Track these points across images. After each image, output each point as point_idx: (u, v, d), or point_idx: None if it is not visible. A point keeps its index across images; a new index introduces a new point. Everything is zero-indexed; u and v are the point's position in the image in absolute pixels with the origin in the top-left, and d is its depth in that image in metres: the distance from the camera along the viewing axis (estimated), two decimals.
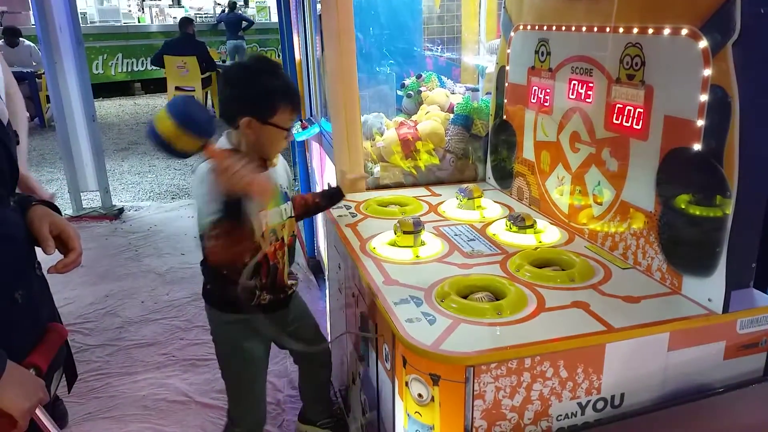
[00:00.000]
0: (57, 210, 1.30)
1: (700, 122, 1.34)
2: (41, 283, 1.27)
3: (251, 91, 1.61)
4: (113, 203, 5.12)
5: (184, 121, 1.34)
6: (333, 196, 2.06)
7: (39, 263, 1.26)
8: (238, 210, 1.43)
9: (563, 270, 1.60)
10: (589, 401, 1.33)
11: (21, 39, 8.81)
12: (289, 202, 1.85)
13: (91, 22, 11.59)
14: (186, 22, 9.06)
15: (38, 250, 1.23)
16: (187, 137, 1.35)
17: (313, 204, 2.02)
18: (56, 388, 1.33)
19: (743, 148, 1.26)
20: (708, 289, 1.38)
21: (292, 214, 1.88)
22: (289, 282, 1.91)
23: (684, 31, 1.37)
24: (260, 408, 1.94)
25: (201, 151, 1.40)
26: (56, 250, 1.23)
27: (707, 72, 1.31)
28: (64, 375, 1.39)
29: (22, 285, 1.17)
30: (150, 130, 1.35)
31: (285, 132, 1.67)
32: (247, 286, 1.73)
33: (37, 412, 1.08)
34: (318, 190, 3.25)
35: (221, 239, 1.48)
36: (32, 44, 8.53)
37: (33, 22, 5.09)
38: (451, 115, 2.49)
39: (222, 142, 1.72)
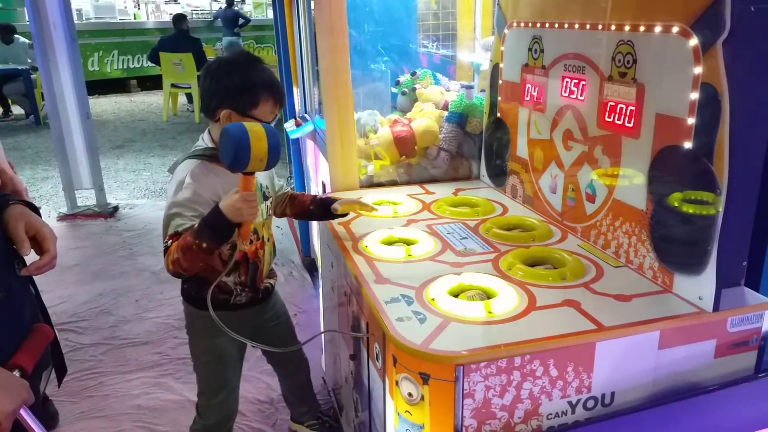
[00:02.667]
0: (35, 210, 1.28)
1: (691, 120, 1.34)
2: (21, 282, 1.26)
3: (231, 82, 1.60)
4: (108, 201, 5.10)
5: (273, 153, 1.39)
6: (325, 208, 1.88)
7: (20, 262, 1.24)
8: (227, 234, 1.50)
9: (555, 268, 1.60)
10: (579, 400, 1.32)
11: (15, 36, 8.78)
12: (269, 201, 1.84)
13: (86, 19, 11.53)
14: (180, 18, 9.04)
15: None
16: (262, 164, 1.40)
17: (307, 209, 1.94)
18: (45, 387, 1.32)
19: (733, 146, 1.26)
20: (699, 288, 1.38)
21: (272, 213, 1.88)
22: (268, 281, 1.90)
23: (675, 29, 1.37)
24: (229, 404, 1.92)
25: (248, 174, 1.44)
26: (32, 251, 1.22)
27: (698, 70, 1.31)
28: (53, 371, 1.39)
29: (1, 285, 1.15)
30: (239, 133, 1.37)
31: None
32: (225, 286, 1.73)
33: (22, 413, 1.08)
34: (312, 187, 3.24)
35: (192, 251, 1.49)
36: (27, 41, 8.50)
37: (27, 18, 5.04)
38: (446, 113, 2.48)
39: (204, 138, 1.71)
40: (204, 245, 1.47)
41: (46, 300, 1.37)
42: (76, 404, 2.53)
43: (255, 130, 1.38)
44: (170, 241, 1.54)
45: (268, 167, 1.44)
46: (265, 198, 1.82)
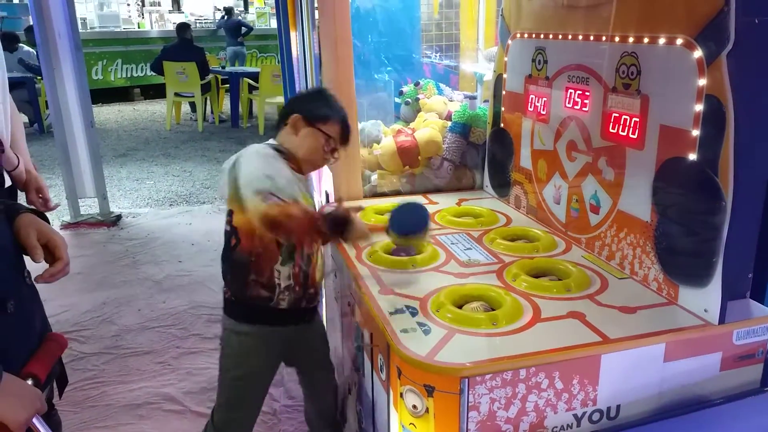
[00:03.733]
0: (45, 218, 1.29)
1: (696, 132, 1.34)
2: (31, 291, 1.26)
3: (315, 101, 1.74)
4: (111, 210, 5.10)
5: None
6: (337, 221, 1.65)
7: (28, 272, 1.25)
8: (338, 233, 1.56)
9: (560, 280, 1.60)
10: (584, 413, 1.32)
11: (20, 44, 8.82)
12: None
13: (90, 28, 11.60)
14: (183, 27, 9.07)
15: (26, 259, 1.23)
16: (414, 243, 1.76)
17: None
18: (45, 395, 1.32)
19: (738, 158, 1.26)
20: (704, 300, 1.37)
21: None
22: (316, 296, 1.81)
23: (679, 41, 1.37)
24: (248, 420, 1.84)
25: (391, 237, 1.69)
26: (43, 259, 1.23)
27: (702, 82, 1.31)
28: (55, 382, 1.39)
29: (12, 294, 1.16)
30: (426, 216, 1.67)
31: (325, 143, 1.68)
32: (269, 280, 1.65)
33: (35, 421, 1.08)
34: (316, 196, 3.24)
35: (310, 221, 1.51)
36: (31, 49, 8.53)
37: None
38: (449, 123, 2.49)
39: (269, 142, 1.71)
40: (321, 227, 1.52)
41: (48, 309, 1.37)
42: (78, 414, 2.52)
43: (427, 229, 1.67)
44: (280, 199, 1.47)
45: (402, 245, 1.76)
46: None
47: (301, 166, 1.70)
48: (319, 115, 1.69)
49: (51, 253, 1.25)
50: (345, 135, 1.74)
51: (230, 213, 1.64)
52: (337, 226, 1.54)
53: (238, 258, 1.65)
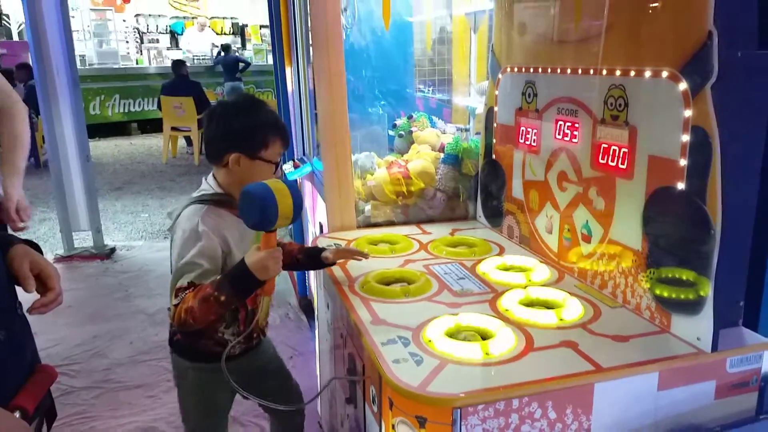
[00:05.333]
0: (38, 250, 1.29)
1: (683, 162, 1.36)
2: (23, 322, 1.26)
3: (239, 125, 1.59)
4: (105, 243, 5.09)
5: (298, 209, 1.40)
6: (314, 257, 1.82)
7: (20, 303, 1.24)
8: (251, 290, 1.48)
9: (552, 309, 1.59)
10: None
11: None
12: None
13: (89, 65, 11.75)
14: (179, 64, 9.22)
15: (18, 290, 1.22)
16: (287, 221, 1.40)
17: (294, 258, 1.87)
18: (34, 429, 1.30)
19: (725, 187, 1.28)
20: (696, 328, 1.37)
21: None
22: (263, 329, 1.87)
23: (664, 74, 1.40)
24: None
25: (271, 231, 1.43)
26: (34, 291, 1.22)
27: (688, 113, 1.34)
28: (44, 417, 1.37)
29: (4, 325, 1.15)
30: (264, 192, 1.36)
31: (273, 167, 1.65)
32: (220, 338, 1.70)
33: None
34: (310, 228, 3.25)
35: (209, 303, 1.46)
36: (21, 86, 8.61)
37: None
38: (442, 155, 2.51)
39: (209, 182, 1.70)
40: (222, 299, 1.45)
41: (38, 342, 1.36)
42: None
43: (278, 188, 1.37)
44: (186, 291, 1.50)
45: (292, 222, 1.44)
46: None
47: None
48: (258, 145, 1.59)
49: (43, 284, 1.24)
50: (285, 141, 1.65)
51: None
52: (238, 279, 1.45)
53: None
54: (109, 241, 5.21)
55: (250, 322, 1.73)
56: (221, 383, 1.67)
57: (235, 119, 1.61)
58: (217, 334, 1.69)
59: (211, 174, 1.71)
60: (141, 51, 13.89)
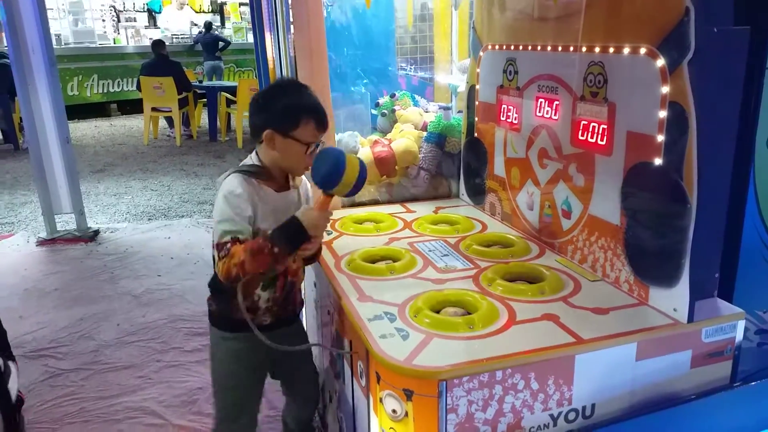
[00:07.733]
0: None
1: (661, 137, 1.39)
2: None
3: (275, 104, 1.67)
4: (89, 225, 5.05)
5: (359, 184, 1.55)
6: (286, 230, 1.65)
7: None
8: (299, 243, 1.55)
9: (534, 283, 1.63)
10: (560, 412, 1.35)
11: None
12: None
13: (65, 44, 11.49)
14: (158, 44, 9.06)
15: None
16: (347, 189, 1.55)
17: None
18: None
19: (701, 162, 1.31)
20: (673, 300, 1.42)
21: None
22: (297, 308, 1.87)
23: (642, 50, 1.42)
24: (250, 429, 1.88)
25: (329, 195, 1.56)
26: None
27: (665, 89, 1.36)
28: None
29: None
30: (338, 156, 1.53)
31: (306, 147, 1.66)
32: (253, 303, 1.71)
33: None
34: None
35: (262, 254, 1.51)
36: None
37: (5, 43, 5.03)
38: (425, 134, 2.53)
39: (252, 156, 1.73)
40: (276, 250, 1.52)
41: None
42: (56, 431, 2.49)
43: (351, 159, 1.53)
44: (230, 245, 1.55)
45: (349, 195, 1.59)
46: None
47: (290, 174, 1.72)
48: (290, 123, 1.64)
49: None
50: (321, 124, 1.67)
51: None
52: (291, 233, 1.54)
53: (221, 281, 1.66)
54: (92, 224, 5.16)
55: (289, 291, 1.77)
56: (253, 356, 1.76)
57: (274, 98, 1.68)
58: (254, 296, 1.70)
59: (254, 150, 1.75)
60: (118, 30, 13.61)
